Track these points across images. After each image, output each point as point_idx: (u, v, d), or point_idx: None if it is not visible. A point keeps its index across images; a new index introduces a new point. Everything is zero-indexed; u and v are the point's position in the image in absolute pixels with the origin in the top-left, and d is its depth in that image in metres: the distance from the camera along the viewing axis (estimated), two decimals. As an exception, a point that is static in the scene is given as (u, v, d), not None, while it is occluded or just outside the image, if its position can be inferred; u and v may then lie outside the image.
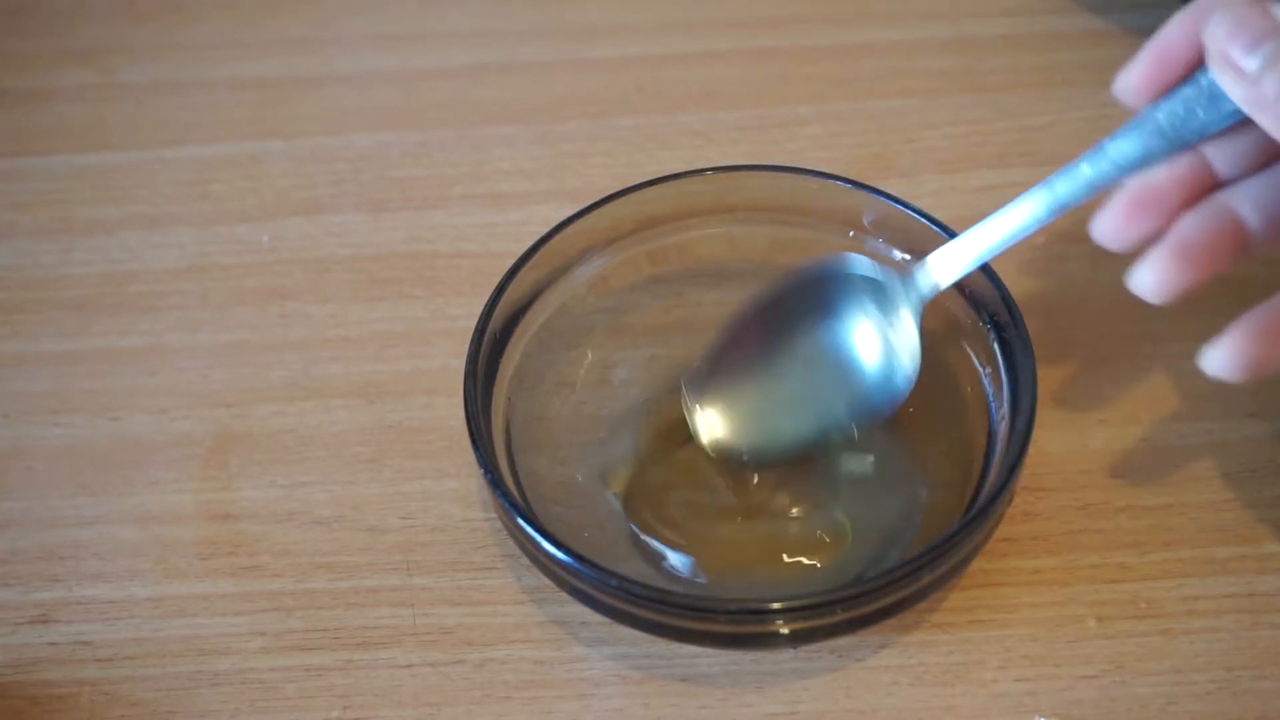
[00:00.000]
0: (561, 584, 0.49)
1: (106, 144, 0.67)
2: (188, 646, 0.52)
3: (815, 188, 0.55)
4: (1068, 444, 0.55)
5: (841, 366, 0.52)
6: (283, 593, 0.53)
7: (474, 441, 0.50)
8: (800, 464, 0.53)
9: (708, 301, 0.57)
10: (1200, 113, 0.47)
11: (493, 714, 0.50)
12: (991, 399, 0.51)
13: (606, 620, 0.49)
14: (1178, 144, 0.47)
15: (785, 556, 0.52)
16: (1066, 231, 0.61)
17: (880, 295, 0.51)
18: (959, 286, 0.53)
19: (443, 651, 0.52)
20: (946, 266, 0.51)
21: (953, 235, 0.53)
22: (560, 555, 0.47)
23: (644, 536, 0.52)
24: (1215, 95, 0.46)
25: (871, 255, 0.53)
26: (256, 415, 0.58)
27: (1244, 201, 0.47)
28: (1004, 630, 0.51)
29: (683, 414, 0.53)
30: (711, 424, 0.53)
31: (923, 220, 0.53)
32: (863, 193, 0.54)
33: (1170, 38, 0.47)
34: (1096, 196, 0.49)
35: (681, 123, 0.66)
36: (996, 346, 0.51)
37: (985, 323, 0.52)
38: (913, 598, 0.48)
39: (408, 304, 0.61)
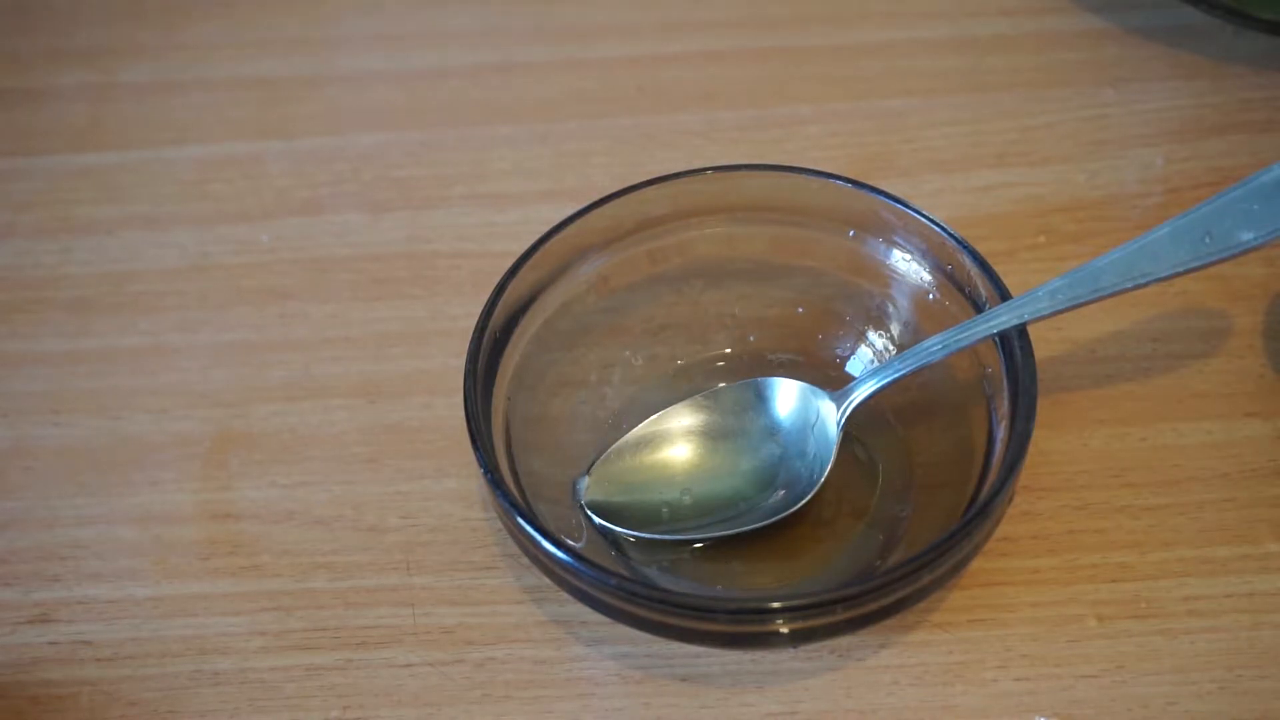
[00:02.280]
0: (561, 583, 0.49)
1: (106, 144, 0.67)
2: (187, 646, 0.52)
3: (815, 188, 0.55)
4: (1067, 444, 0.55)
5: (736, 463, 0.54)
6: (282, 592, 0.53)
7: (474, 441, 0.50)
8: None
9: (708, 301, 0.57)
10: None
11: (492, 714, 0.50)
12: (991, 398, 0.51)
13: (606, 619, 0.49)
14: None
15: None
16: (1068, 231, 0.61)
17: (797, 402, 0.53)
18: (959, 287, 0.53)
19: (442, 651, 0.52)
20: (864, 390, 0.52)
21: (952, 235, 0.53)
22: (560, 554, 0.47)
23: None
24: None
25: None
26: (256, 415, 0.58)
27: None
28: (1004, 630, 0.51)
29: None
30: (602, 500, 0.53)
31: (923, 220, 0.53)
32: (863, 193, 0.54)
33: None
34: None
35: (681, 123, 0.66)
36: (997, 346, 0.51)
37: (985, 322, 0.52)
38: (913, 597, 0.48)
39: (408, 304, 0.61)
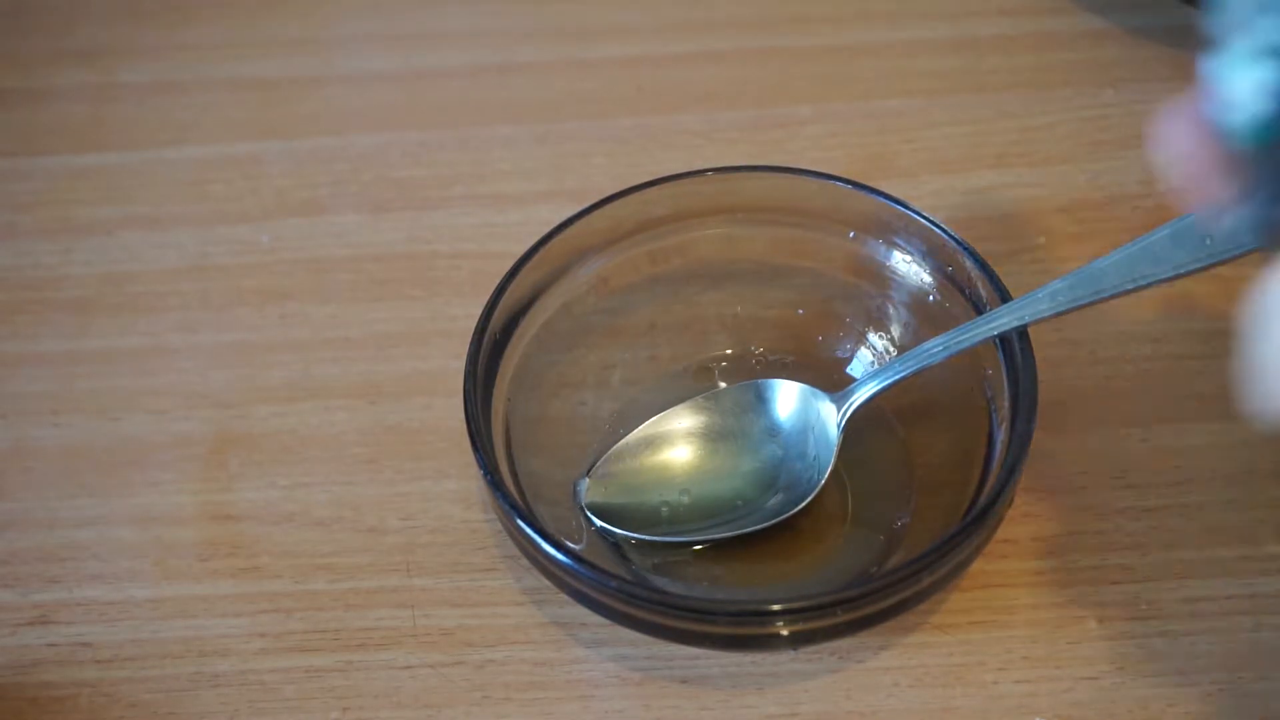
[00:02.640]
0: (561, 585, 0.49)
1: (106, 144, 0.67)
2: (187, 648, 0.52)
3: (815, 188, 0.55)
4: (1068, 445, 0.55)
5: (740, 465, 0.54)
6: (282, 594, 0.53)
7: (474, 442, 0.50)
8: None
9: (708, 301, 0.57)
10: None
11: (492, 715, 0.50)
12: (992, 400, 0.51)
13: (606, 622, 0.49)
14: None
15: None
16: (1068, 232, 0.61)
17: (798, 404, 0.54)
18: (959, 288, 0.53)
19: (442, 653, 0.52)
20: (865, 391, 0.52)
21: (952, 236, 0.53)
22: (560, 556, 0.47)
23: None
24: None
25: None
26: (256, 416, 0.58)
27: None
28: (1004, 631, 0.51)
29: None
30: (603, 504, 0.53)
31: (923, 221, 0.53)
32: (863, 194, 0.54)
33: None
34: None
35: (681, 123, 0.66)
36: (997, 347, 0.51)
37: (986, 324, 0.52)
38: (913, 599, 0.48)
39: (408, 304, 0.61)
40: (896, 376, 0.52)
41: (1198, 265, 0.50)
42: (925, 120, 0.66)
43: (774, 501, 0.52)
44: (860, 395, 0.52)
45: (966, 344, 0.51)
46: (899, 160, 0.64)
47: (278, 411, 0.58)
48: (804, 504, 0.52)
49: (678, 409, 0.54)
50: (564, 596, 0.49)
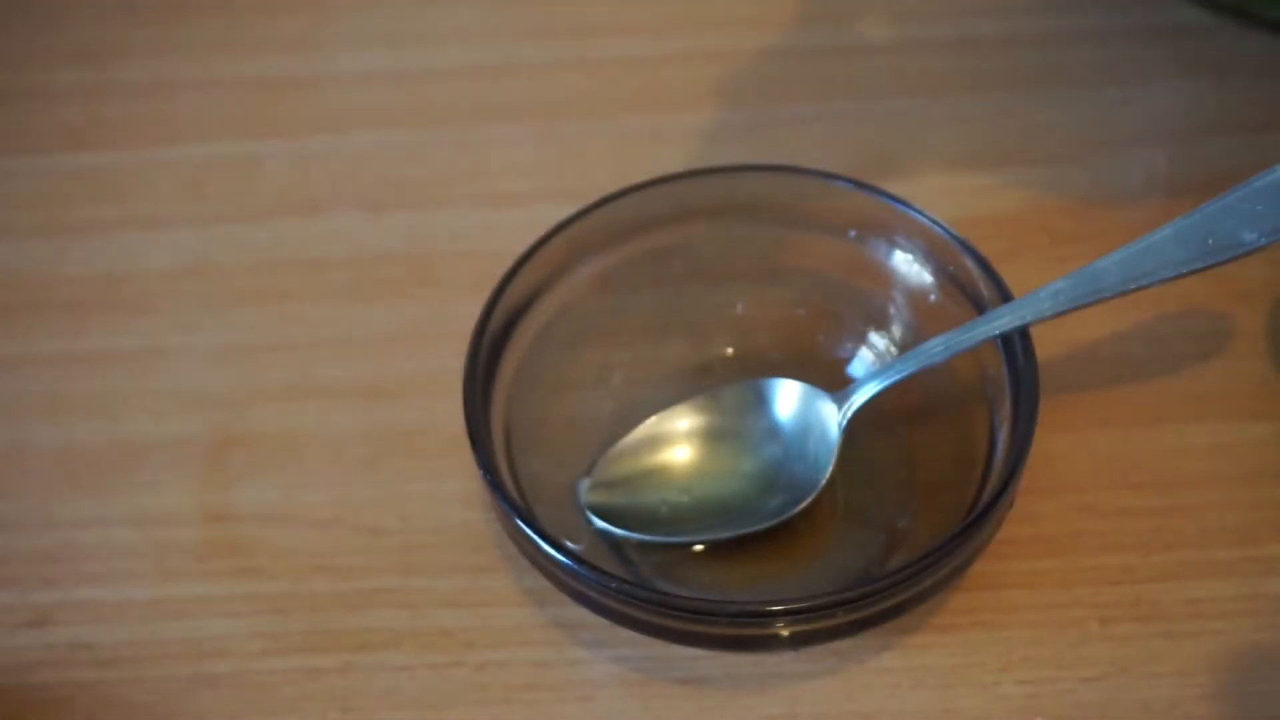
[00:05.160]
0: (561, 586, 0.49)
1: (104, 144, 0.67)
2: (185, 649, 0.52)
3: (815, 187, 0.55)
4: (1069, 445, 0.55)
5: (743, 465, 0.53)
6: (281, 595, 0.53)
7: (473, 443, 0.49)
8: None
9: (708, 301, 0.57)
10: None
11: (492, 716, 0.50)
12: (993, 400, 0.51)
13: (606, 622, 0.49)
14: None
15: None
16: (1070, 231, 0.61)
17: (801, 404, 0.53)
18: (961, 288, 0.53)
19: (442, 654, 0.51)
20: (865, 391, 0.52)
21: (953, 236, 0.53)
22: (560, 557, 0.47)
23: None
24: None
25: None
26: (255, 417, 0.58)
27: None
28: (1005, 632, 0.51)
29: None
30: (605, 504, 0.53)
31: (924, 220, 0.53)
32: (863, 193, 0.54)
33: None
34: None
35: (682, 122, 0.66)
36: (999, 347, 0.51)
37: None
38: (914, 600, 0.47)
39: (407, 304, 0.61)
40: (897, 377, 0.51)
41: (1198, 265, 0.50)
42: (925, 120, 0.66)
43: (774, 502, 0.52)
44: (861, 395, 0.52)
45: (968, 344, 0.51)
46: (899, 160, 0.64)
47: (277, 411, 0.58)
48: (804, 504, 0.51)
49: (678, 408, 0.54)
50: (564, 597, 0.49)
